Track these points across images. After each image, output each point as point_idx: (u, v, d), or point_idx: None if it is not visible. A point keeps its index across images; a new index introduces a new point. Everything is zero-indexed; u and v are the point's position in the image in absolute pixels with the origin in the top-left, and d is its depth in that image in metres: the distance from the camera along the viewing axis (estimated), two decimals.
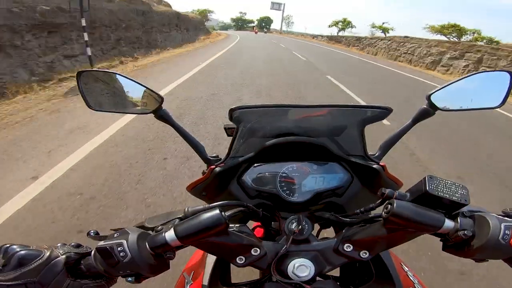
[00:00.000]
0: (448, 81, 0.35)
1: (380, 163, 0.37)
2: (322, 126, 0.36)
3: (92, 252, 0.26)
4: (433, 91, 0.35)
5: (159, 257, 0.27)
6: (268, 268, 0.29)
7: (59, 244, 0.26)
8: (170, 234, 0.26)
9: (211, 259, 0.36)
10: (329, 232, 0.38)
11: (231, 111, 0.33)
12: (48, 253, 0.24)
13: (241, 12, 79.98)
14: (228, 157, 0.37)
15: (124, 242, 0.25)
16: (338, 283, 0.31)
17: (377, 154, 0.40)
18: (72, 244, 0.27)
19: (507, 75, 0.33)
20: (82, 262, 0.26)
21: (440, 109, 0.36)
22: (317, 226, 0.41)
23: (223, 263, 0.38)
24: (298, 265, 0.29)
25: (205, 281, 0.34)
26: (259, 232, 0.51)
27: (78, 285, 0.25)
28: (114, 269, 0.25)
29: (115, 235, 0.26)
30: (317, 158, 0.38)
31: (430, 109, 0.37)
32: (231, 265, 0.30)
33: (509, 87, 0.33)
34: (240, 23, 74.09)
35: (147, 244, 0.26)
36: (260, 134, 0.37)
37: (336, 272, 0.36)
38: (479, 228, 0.25)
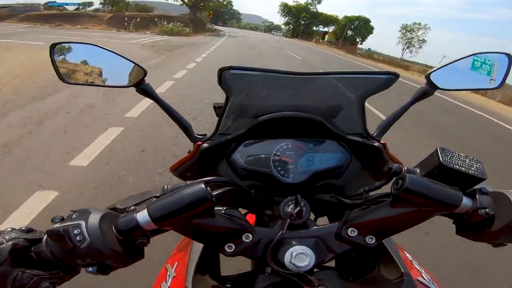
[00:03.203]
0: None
1: (381, 141, 0.73)
2: (319, 102, 0.72)
3: (44, 238, 0.44)
4: (433, 70, 0.76)
5: (129, 243, 0.45)
6: (262, 258, 0.53)
7: (8, 229, 0.45)
8: (142, 215, 0.45)
9: (197, 248, 0.65)
10: (324, 221, 0.71)
11: (221, 71, 0.61)
12: None
13: None
14: (216, 133, 0.70)
15: (82, 223, 0.42)
16: (338, 274, 0.58)
17: (376, 134, 0.78)
18: (22, 228, 0.46)
19: (506, 57, 0.73)
20: (32, 249, 0.44)
21: (440, 88, 0.76)
22: (311, 215, 0.73)
23: (211, 253, 0.69)
24: (296, 253, 0.52)
25: (190, 274, 0.58)
26: (251, 219, 0.88)
27: (29, 277, 0.41)
28: (69, 257, 0.42)
29: (73, 216, 0.44)
30: (314, 136, 0.74)
31: (430, 88, 0.77)
32: (221, 256, 0.60)
33: (507, 68, 0.72)
34: (305, 20, 73.64)
35: (113, 227, 0.45)
36: (252, 109, 0.70)
37: (330, 264, 0.65)
38: (500, 207, 0.46)
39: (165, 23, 27.30)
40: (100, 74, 0.79)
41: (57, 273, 0.45)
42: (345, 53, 39.56)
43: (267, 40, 42.08)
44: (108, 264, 0.45)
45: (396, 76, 0.68)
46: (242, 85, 0.67)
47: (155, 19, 29.31)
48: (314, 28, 79.99)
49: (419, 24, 64.86)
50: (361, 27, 70.41)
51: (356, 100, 0.72)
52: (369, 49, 64.52)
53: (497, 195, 0.49)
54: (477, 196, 0.49)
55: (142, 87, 0.75)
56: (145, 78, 0.75)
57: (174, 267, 0.65)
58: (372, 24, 71.44)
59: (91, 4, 48.83)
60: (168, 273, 0.65)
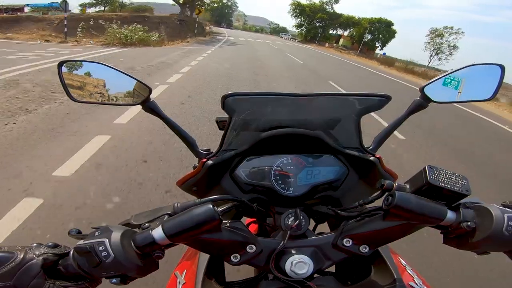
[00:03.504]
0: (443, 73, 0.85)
1: (376, 155, 0.86)
2: (318, 118, 0.86)
3: (71, 253, 0.56)
4: (427, 83, 0.89)
5: (146, 256, 0.58)
6: (265, 266, 0.67)
7: (34, 245, 0.57)
8: (158, 232, 0.57)
9: (204, 257, 0.79)
10: (324, 227, 0.87)
11: (224, 98, 0.76)
12: (21, 255, 0.53)
13: None
14: (221, 149, 0.86)
15: (106, 240, 0.54)
16: (336, 279, 0.72)
17: (372, 147, 0.92)
18: (49, 244, 0.58)
19: (498, 68, 0.85)
20: (60, 263, 0.56)
21: (434, 101, 0.89)
22: (312, 222, 0.88)
23: (217, 260, 0.82)
24: (296, 261, 0.64)
25: (199, 280, 0.73)
26: (253, 228, 1.07)
27: None
28: (96, 270, 0.54)
29: (96, 234, 0.56)
30: (312, 151, 0.88)
31: (424, 101, 0.90)
32: (225, 263, 0.72)
33: (500, 79, 0.84)
34: (321, 22, 69.88)
35: (132, 243, 0.57)
36: (253, 126, 0.85)
37: (331, 268, 0.78)
38: (482, 220, 0.57)
39: (116, 26, 18.97)
40: (104, 85, 0.93)
41: (83, 284, 0.57)
42: (384, 67, 33.83)
43: (280, 48, 34.57)
44: (129, 276, 0.57)
45: (388, 98, 0.83)
46: (244, 106, 0.82)
47: (100, 21, 20.93)
48: (331, 31, 76.46)
49: (451, 28, 61.54)
50: (382, 30, 69.44)
51: (352, 117, 0.86)
52: (385, 54, 62.96)
53: (480, 209, 0.60)
54: (460, 210, 0.61)
55: (148, 105, 0.90)
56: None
57: (184, 274, 0.80)
58: (394, 27, 69.91)
59: (92, 4, 48.05)
60: (178, 280, 0.79)
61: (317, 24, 73.64)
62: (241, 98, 0.80)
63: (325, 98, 0.83)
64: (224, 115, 0.84)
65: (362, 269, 0.80)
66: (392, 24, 69.78)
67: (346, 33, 76.40)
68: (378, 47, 71.59)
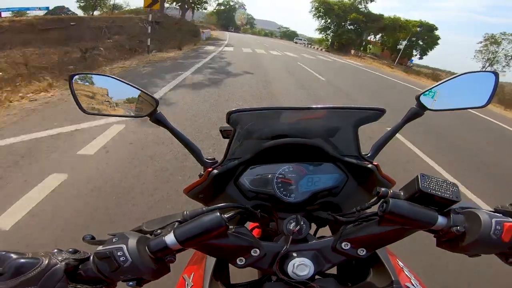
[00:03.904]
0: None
1: (374, 163, 1.08)
2: (317, 128, 1.10)
3: (91, 258, 0.72)
4: (423, 92, 1.10)
5: (159, 260, 0.75)
6: (268, 268, 0.86)
7: (55, 251, 0.72)
8: (170, 238, 0.74)
9: (210, 260, 0.99)
10: (326, 230, 1.09)
11: (229, 114, 0.98)
12: (46, 261, 0.66)
13: None
14: (225, 159, 1.09)
15: (124, 246, 0.70)
16: (336, 281, 0.91)
17: (370, 154, 1.16)
18: (70, 250, 0.74)
19: (492, 76, 1.04)
20: (80, 267, 0.72)
21: (429, 109, 1.11)
22: (313, 226, 1.10)
23: (222, 263, 1.03)
24: (298, 264, 0.82)
25: (206, 283, 0.91)
26: (257, 232, 1.34)
27: None
28: (114, 274, 0.69)
29: (114, 240, 0.72)
30: (313, 159, 1.10)
31: (420, 109, 1.12)
32: (230, 265, 0.91)
33: (494, 87, 1.04)
34: (355, 25, 64.13)
35: (147, 248, 0.74)
36: (256, 136, 1.08)
37: (333, 270, 0.96)
38: (471, 224, 0.74)
39: None
40: (112, 97, 1.13)
41: (101, 287, 0.71)
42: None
43: (338, 87, 15.61)
44: (144, 278, 0.72)
45: (382, 111, 1.01)
46: (247, 120, 1.01)
47: None
48: (371, 37, 72.20)
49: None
50: (423, 35, 65.68)
51: (350, 128, 1.06)
52: (412, 61, 63.13)
53: (470, 214, 0.75)
54: (451, 215, 0.76)
55: (155, 117, 1.11)
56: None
57: (191, 277, 0.97)
58: (437, 33, 66.16)
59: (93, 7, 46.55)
60: (186, 282, 0.97)
61: (349, 27, 68.54)
62: (245, 114, 0.98)
63: (323, 111, 1.03)
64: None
65: (361, 271, 0.97)
66: (436, 29, 66.45)
67: (372, 38, 73.07)
68: (416, 55, 69.48)
